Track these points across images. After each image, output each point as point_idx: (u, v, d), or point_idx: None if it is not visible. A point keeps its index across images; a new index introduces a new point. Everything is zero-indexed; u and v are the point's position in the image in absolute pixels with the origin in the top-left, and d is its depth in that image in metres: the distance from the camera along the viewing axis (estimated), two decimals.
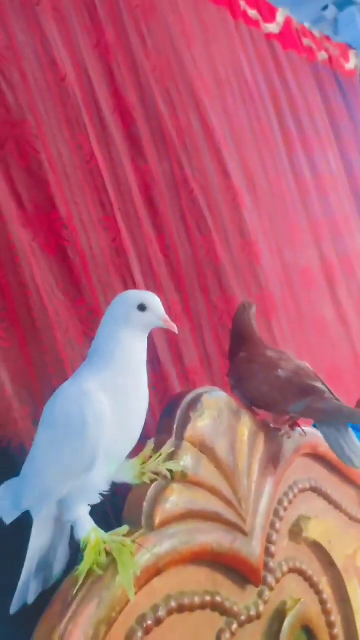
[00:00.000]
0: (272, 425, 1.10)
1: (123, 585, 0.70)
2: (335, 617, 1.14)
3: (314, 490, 1.17)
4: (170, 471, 0.84)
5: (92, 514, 0.77)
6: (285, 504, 1.07)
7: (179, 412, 0.92)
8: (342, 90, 2.81)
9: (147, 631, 0.75)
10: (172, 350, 1.34)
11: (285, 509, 1.06)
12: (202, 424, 0.93)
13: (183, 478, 0.86)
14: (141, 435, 0.80)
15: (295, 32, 2.47)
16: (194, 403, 0.94)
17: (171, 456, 0.86)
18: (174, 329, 0.80)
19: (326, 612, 1.12)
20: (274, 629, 0.98)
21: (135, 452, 0.83)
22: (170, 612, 0.79)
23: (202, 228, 1.50)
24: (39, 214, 1.10)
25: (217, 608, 0.88)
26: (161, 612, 0.78)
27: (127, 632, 0.73)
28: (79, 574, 0.69)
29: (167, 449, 0.86)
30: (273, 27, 2.28)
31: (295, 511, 1.10)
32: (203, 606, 0.85)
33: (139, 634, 0.74)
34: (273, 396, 1.04)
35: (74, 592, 0.68)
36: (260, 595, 0.97)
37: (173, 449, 0.87)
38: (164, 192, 1.43)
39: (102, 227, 1.22)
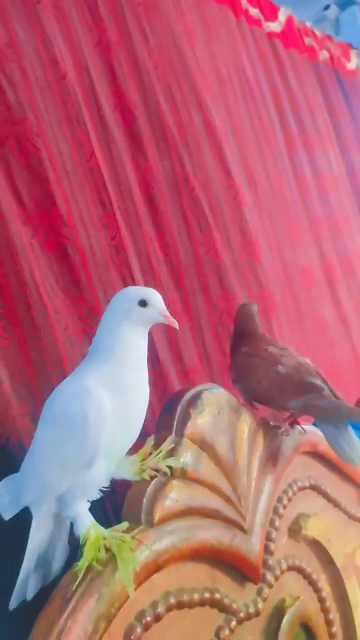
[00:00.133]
0: (272, 423, 1.10)
1: (122, 581, 0.70)
2: (334, 615, 1.14)
3: (314, 488, 1.17)
4: (170, 468, 0.84)
5: (91, 510, 0.77)
6: (285, 501, 1.07)
7: (179, 409, 0.93)
8: (343, 89, 2.81)
9: (146, 627, 0.75)
10: (172, 348, 1.34)
11: (285, 507, 1.07)
12: (202, 421, 0.93)
13: (183, 475, 0.86)
14: (141, 432, 0.81)
15: (297, 31, 2.47)
16: (194, 400, 0.95)
17: (171, 453, 0.87)
18: (175, 324, 0.80)
19: (325, 610, 1.12)
20: (273, 626, 0.99)
21: (135, 448, 0.83)
22: (169, 609, 0.80)
23: (202, 226, 1.50)
24: (39, 211, 1.10)
25: (216, 605, 0.88)
26: (160, 609, 0.78)
27: (126, 628, 0.74)
28: (78, 569, 0.69)
29: (167, 445, 0.87)
30: (275, 26, 2.28)
31: (294, 509, 1.10)
32: (202, 603, 0.86)
33: (138, 630, 0.74)
34: (272, 391, 1.05)
35: (73, 588, 0.68)
36: (259, 592, 0.97)
37: (173, 445, 0.88)
38: (164, 190, 1.43)
39: (102, 225, 1.22)
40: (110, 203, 1.24)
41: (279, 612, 1.00)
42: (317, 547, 1.13)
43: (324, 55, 2.70)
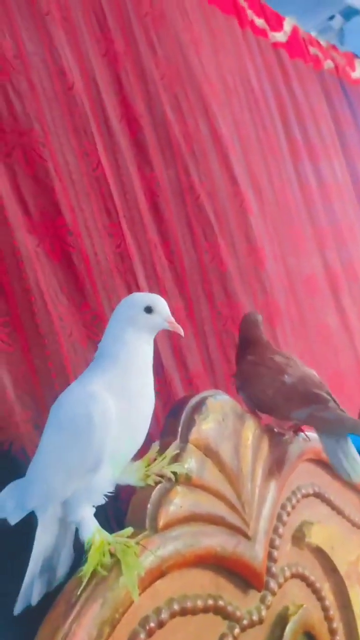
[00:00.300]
0: (276, 430, 1.11)
1: (127, 587, 0.70)
2: (337, 624, 1.14)
3: (317, 495, 1.17)
4: (175, 474, 0.85)
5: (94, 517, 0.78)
6: (289, 508, 1.07)
7: (183, 415, 0.93)
8: (347, 98, 2.83)
9: (150, 633, 0.75)
10: (176, 355, 1.34)
11: (289, 514, 1.07)
12: (206, 427, 0.94)
13: (187, 481, 0.87)
14: (145, 438, 0.81)
15: (302, 41, 2.49)
16: (199, 406, 0.95)
17: (175, 459, 0.87)
18: (180, 330, 0.81)
19: (328, 619, 1.12)
20: (276, 634, 0.98)
21: (139, 454, 0.84)
22: (172, 615, 0.79)
23: (207, 234, 1.51)
24: (45, 220, 1.11)
25: (220, 612, 0.88)
26: (164, 615, 0.78)
27: (130, 634, 0.74)
28: (83, 574, 0.70)
29: (171, 451, 0.87)
30: (280, 36, 2.30)
31: (298, 516, 1.10)
32: (206, 610, 0.86)
33: (142, 636, 0.74)
34: (277, 401, 1.05)
35: (78, 593, 0.68)
36: (262, 600, 0.97)
37: (178, 451, 0.88)
38: (169, 198, 1.44)
39: (107, 233, 1.23)
40: (116, 211, 1.25)
41: (282, 620, 1.00)
42: (320, 554, 1.13)
43: (328, 64, 2.72)
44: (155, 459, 0.86)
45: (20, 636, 0.69)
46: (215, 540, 0.88)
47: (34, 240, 1.08)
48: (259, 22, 2.17)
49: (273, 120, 2.12)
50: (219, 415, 0.98)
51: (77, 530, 0.77)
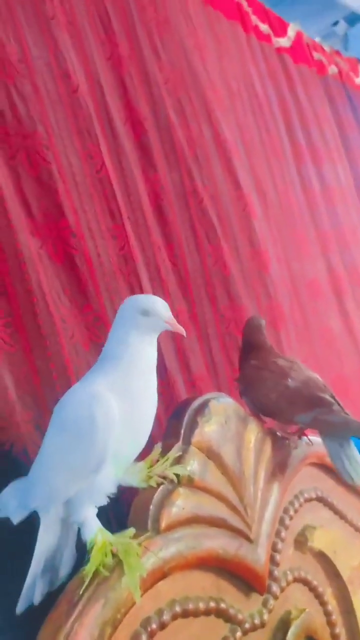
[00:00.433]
0: (279, 434, 1.11)
1: (129, 587, 0.70)
2: (340, 629, 1.13)
3: (320, 500, 1.17)
4: (177, 475, 0.85)
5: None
6: (291, 512, 1.07)
7: (186, 417, 0.93)
8: (351, 103, 2.84)
9: (151, 635, 0.75)
10: (179, 357, 1.34)
11: (291, 518, 1.06)
12: (209, 430, 0.94)
13: (189, 483, 0.87)
14: (148, 440, 0.81)
15: (306, 47, 2.50)
16: (202, 408, 0.95)
17: (178, 460, 0.87)
18: (181, 331, 0.80)
19: (331, 624, 1.11)
20: (278, 638, 0.98)
21: (142, 456, 0.84)
22: (174, 617, 0.79)
23: (210, 237, 1.52)
24: (48, 222, 1.12)
25: (222, 615, 0.88)
26: (165, 616, 0.78)
27: (132, 634, 0.74)
28: (85, 574, 0.70)
29: (174, 453, 0.87)
30: (284, 42, 2.31)
31: (300, 520, 1.10)
32: (207, 612, 0.85)
33: (143, 637, 0.74)
34: (281, 405, 1.05)
35: (80, 592, 0.68)
36: (264, 603, 0.97)
37: (180, 453, 0.88)
38: (173, 201, 1.45)
39: (111, 235, 1.23)
40: (120, 213, 1.25)
41: (284, 624, 1.00)
42: (323, 559, 1.13)
43: (332, 70, 2.73)
44: (157, 461, 0.86)
45: (22, 635, 0.69)
46: (217, 543, 0.87)
47: (37, 242, 1.09)
48: (263, 27, 2.18)
49: (277, 125, 2.12)
50: (221, 418, 0.97)
51: (79, 530, 0.77)
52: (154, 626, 0.75)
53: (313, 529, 1.10)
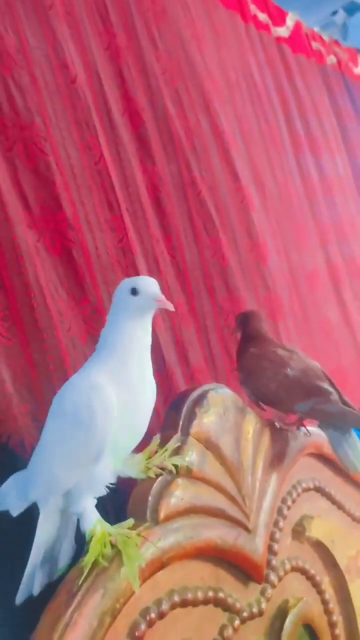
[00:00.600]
0: (277, 424, 1.11)
1: (128, 577, 0.71)
2: (337, 618, 1.14)
3: (318, 490, 1.18)
4: (176, 466, 0.85)
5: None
6: (289, 502, 1.08)
7: (184, 408, 0.93)
8: (350, 93, 2.82)
9: (150, 624, 0.76)
10: (178, 350, 1.35)
11: (289, 508, 1.07)
12: (207, 421, 0.94)
13: (188, 473, 0.87)
14: (146, 432, 0.82)
15: (305, 36, 2.48)
16: (200, 399, 0.96)
17: (177, 451, 0.87)
18: (170, 307, 0.78)
19: (328, 612, 1.13)
20: (276, 626, 0.99)
21: (141, 447, 0.84)
22: (173, 606, 0.80)
23: (209, 229, 1.51)
24: (45, 214, 1.11)
25: (220, 604, 0.89)
26: (164, 606, 0.78)
27: (131, 624, 0.74)
28: (84, 564, 0.70)
29: (172, 444, 0.87)
30: (283, 31, 2.29)
31: (298, 510, 1.10)
32: (206, 601, 0.86)
33: (142, 626, 0.75)
34: (280, 394, 1.05)
35: (79, 582, 0.69)
36: (262, 592, 0.97)
37: (179, 444, 0.88)
38: (171, 193, 1.44)
39: (109, 228, 1.23)
40: (118, 205, 1.25)
41: (282, 613, 1.01)
42: (320, 548, 1.13)
43: (331, 59, 2.71)
44: (156, 452, 0.86)
45: (21, 625, 0.70)
46: (216, 533, 0.88)
47: (34, 235, 1.08)
48: (262, 16, 2.17)
49: (275, 115, 2.11)
50: (220, 409, 0.98)
51: (78, 521, 0.77)
52: (152, 616, 0.76)
53: (311, 518, 1.11)
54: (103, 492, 0.78)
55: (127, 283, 0.80)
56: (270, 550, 1.00)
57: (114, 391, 0.74)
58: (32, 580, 0.78)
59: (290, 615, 1.00)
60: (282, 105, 2.19)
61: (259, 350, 1.11)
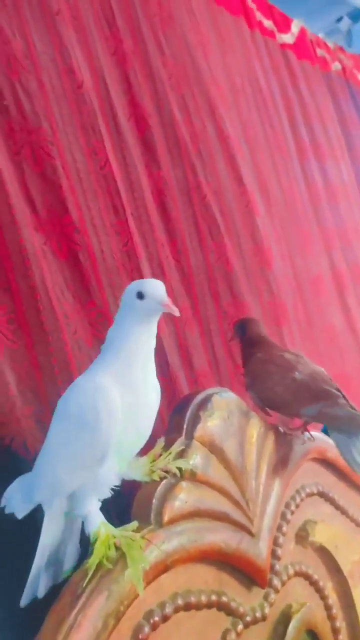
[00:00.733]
0: (281, 429, 1.11)
1: (132, 580, 0.71)
2: (341, 623, 1.14)
3: (321, 495, 1.18)
4: (180, 469, 0.85)
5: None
6: (293, 507, 1.08)
7: (189, 412, 0.94)
8: (354, 100, 2.83)
9: (154, 627, 0.76)
10: (182, 354, 1.35)
11: (292, 512, 1.07)
12: (211, 424, 0.94)
13: (192, 477, 0.87)
14: (151, 435, 0.82)
15: (310, 43, 2.49)
16: (204, 403, 0.96)
17: (181, 455, 0.87)
18: (176, 312, 0.77)
19: (331, 618, 1.12)
20: (279, 631, 0.99)
21: (145, 450, 0.84)
22: (176, 610, 0.80)
23: (214, 233, 1.52)
24: (52, 218, 1.12)
25: (223, 608, 0.89)
26: (168, 609, 0.78)
27: (135, 627, 0.74)
28: (88, 566, 0.70)
29: (176, 447, 0.88)
30: (288, 38, 2.31)
31: (302, 515, 1.10)
32: (209, 605, 0.86)
33: (146, 629, 0.75)
34: (287, 398, 1.05)
35: (84, 585, 0.69)
36: (265, 597, 0.97)
37: (183, 447, 0.88)
38: (176, 197, 1.45)
39: (114, 231, 1.23)
40: (123, 210, 1.25)
41: (285, 618, 1.00)
42: (324, 553, 1.13)
43: (336, 66, 2.72)
44: (160, 455, 0.86)
45: (25, 626, 0.70)
46: (219, 537, 0.88)
47: (41, 238, 1.09)
48: (267, 23, 2.18)
49: (280, 121, 2.12)
50: (224, 413, 0.98)
51: (83, 524, 0.77)
52: (156, 619, 0.76)
53: (314, 523, 1.11)
54: (107, 494, 0.78)
55: (134, 286, 0.80)
56: (274, 554, 1.00)
57: (118, 391, 0.74)
58: (37, 582, 0.78)
59: (293, 620, 1.00)
60: (287, 111, 2.19)
61: (266, 354, 1.11)
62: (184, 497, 0.84)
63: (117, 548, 0.73)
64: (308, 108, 2.33)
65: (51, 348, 1.03)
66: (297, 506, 1.09)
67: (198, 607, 0.84)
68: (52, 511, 0.78)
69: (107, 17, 1.36)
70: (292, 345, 1.68)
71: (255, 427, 1.03)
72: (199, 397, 0.97)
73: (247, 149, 1.81)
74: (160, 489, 0.83)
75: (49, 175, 1.11)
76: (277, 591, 0.99)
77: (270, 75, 2.11)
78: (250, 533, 0.94)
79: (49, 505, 0.78)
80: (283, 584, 1.01)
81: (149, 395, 0.79)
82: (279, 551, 1.01)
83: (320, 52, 2.59)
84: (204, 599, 0.85)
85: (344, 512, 1.22)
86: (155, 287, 0.78)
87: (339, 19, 3.16)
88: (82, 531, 0.79)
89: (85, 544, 0.77)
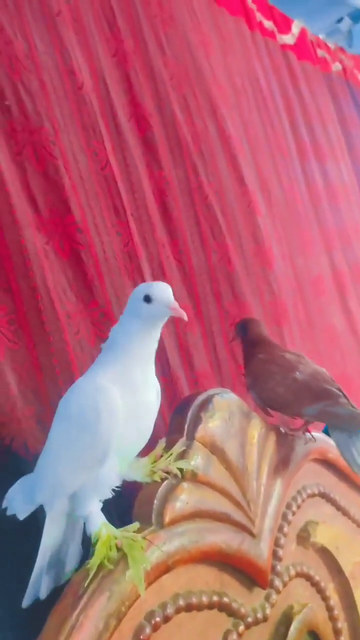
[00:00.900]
0: (282, 430, 1.11)
1: (133, 580, 0.71)
2: (342, 624, 1.14)
3: (323, 496, 1.17)
4: (181, 470, 0.85)
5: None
6: (294, 508, 1.08)
7: (190, 413, 0.94)
8: (355, 100, 2.83)
9: (155, 628, 0.76)
10: (183, 354, 1.35)
11: (294, 513, 1.07)
12: (213, 425, 0.94)
13: (193, 477, 0.87)
14: (152, 436, 0.82)
15: (310, 44, 2.49)
16: (206, 404, 0.96)
17: (182, 455, 0.87)
18: (183, 316, 0.77)
19: (333, 619, 1.12)
20: (281, 632, 0.99)
21: (146, 451, 0.84)
22: (178, 610, 0.80)
23: (215, 234, 1.52)
24: (54, 217, 1.12)
25: (225, 609, 0.89)
26: (169, 610, 0.78)
27: (136, 627, 0.74)
28: (90, 567, 0.70)
29: (178, 448, 0.88)
30: (288, 38, 2.31)
31: (303, 516, 1.10)
32: (210, 606, 0.86)
33: (147, 630, 0.75)
34: (288, 398, 1.05)
35: (85, 585, 0.69)
36: (267, 598, 0.97)
37: (184, 448, 0.88)
38: (177, 197, 1.45)
39: (116, 232, 1.23)
40: (124, 210, 1.25)
41: (286, 619, 1.00)
42: (325, 554, 1.13)
43: (336, 67, 2.72)
44: (161, 456, 0.86)
45: (27, 627, 0.70)
46: (221, 537, 0.88)
47: (43, 237, 1.09)
48: (268, 24, 2.18)
49: (281, 121, 2.12)
50: (225, 414, 0.98)
51: (84, 525, 0.77)
52: (157, 619, 0.76)
53: (315, 524, 1.11)
54: (109, 495, 0.78)
55: (141, 289, 0.79)
56: (275, 555, 1.00)
57: (119, 393, 0.74)
58: (39, 583, 0.78)
59: (295, 621, 1.00)
60: (288, 111, 2.20)
61: (267, 355, 1.11)
62: (185, 498, 0.84)
63: (119, 549, 0.73)
64: (308, 108, 2.34)
65: (52, 348, 1.03)
66: (298, 507, 1.09)
67: (199, 607, 0.84)
68: (53, 512, 0.78)
69: (108, 18, 1.36)
70: (293, 345, 1.68)
71: (256, 428, 1.03)
72: (200, 398, 0.97)
73: (248, 149, 1.81)
74: (161, 489, 0.83)
75: (51, 175, 1.11)
76: (278, 592, 0.99)
77: (271, 76, 2.12)
78: (251, 534, 0.94)
79: (50, 506, 0.78)
80: (284, 584, 1.01)
81: (150, 396, 0.79)
82: (280, 552, 1.01)
83: (320, 52, 2.59)
84: (205, 599, 0.85)
85: (345, 513, 1.22)
86: (163, 291, 0.77)
87: (340, 20, 3.16)
88: (84, 532, 0.79)
89: (87, 545, 0.77)
